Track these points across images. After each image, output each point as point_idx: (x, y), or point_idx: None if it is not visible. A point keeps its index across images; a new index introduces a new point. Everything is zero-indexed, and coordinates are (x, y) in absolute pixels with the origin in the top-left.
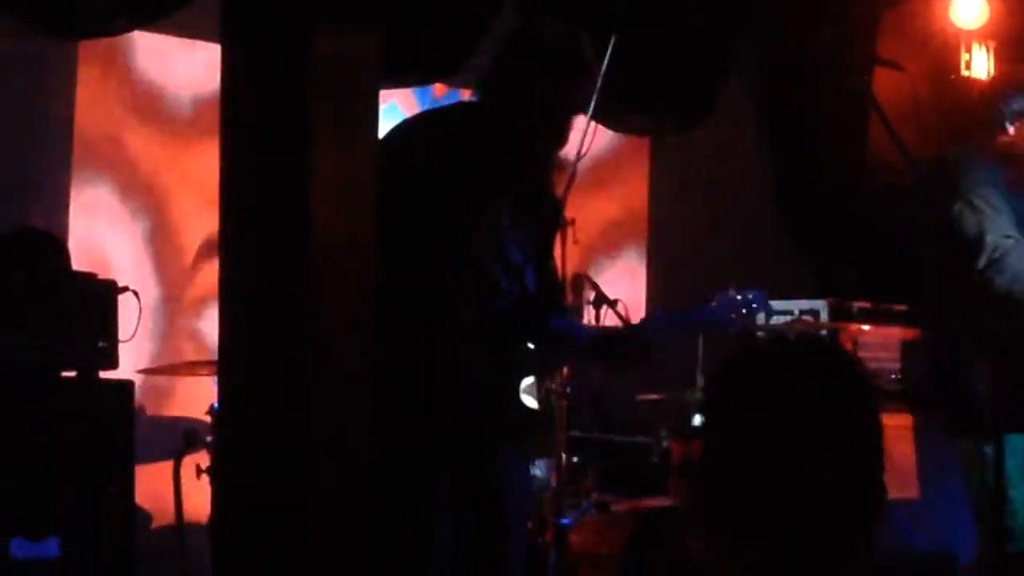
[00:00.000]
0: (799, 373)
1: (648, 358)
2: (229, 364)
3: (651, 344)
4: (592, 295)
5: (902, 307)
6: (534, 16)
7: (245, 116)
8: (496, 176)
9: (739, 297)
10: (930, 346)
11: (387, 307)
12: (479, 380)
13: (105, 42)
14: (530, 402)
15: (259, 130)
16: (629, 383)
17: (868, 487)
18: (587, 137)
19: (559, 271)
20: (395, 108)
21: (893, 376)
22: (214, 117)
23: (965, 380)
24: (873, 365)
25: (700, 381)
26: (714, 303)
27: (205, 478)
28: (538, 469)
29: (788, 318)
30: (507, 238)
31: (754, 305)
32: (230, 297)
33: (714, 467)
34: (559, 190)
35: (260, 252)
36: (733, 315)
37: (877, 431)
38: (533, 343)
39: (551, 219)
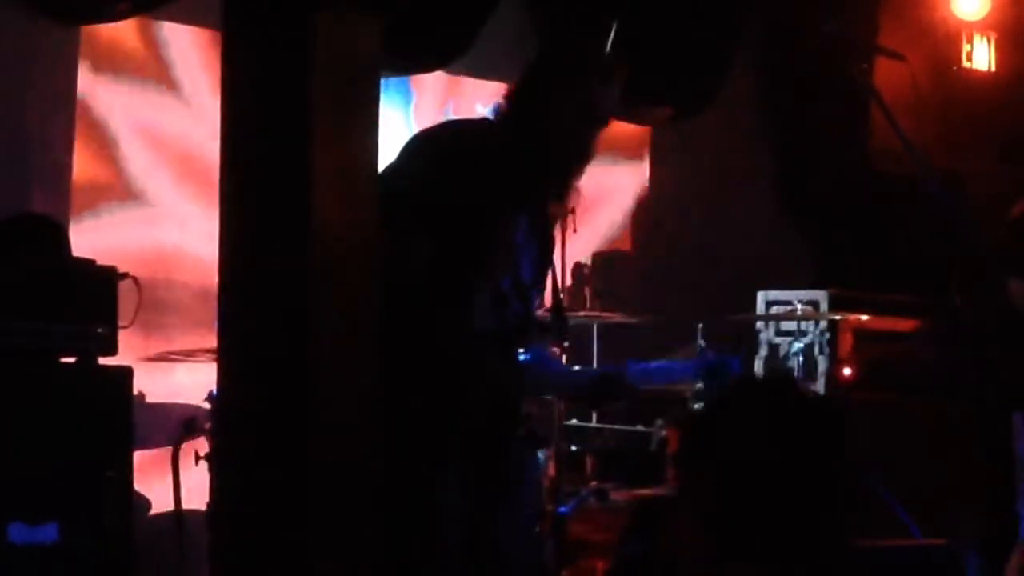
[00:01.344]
0: (763, 420)
1: (623, 402)
2: (228, 351)
3: (627, 391)
4: (591, 285)
5: (903, 297)
6: (556, 26)
7: (245, 101)
8: (520, 192)
9: (716, 361)
10: (957, 336)
11: (407, 308)
12: (498, 378)
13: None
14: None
15: (259, 115)
16: None
17: (824, 522)
18: None
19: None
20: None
21: (894, 366)
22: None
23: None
24: (874, 355)
25: None
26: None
27: (204, 464)
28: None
29: (788, 308)
30: (520, 256)
31: (728, 369)
32: (229, 284)
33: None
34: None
35: (259, 239)
36: (706, 376)
37: (836, 474)
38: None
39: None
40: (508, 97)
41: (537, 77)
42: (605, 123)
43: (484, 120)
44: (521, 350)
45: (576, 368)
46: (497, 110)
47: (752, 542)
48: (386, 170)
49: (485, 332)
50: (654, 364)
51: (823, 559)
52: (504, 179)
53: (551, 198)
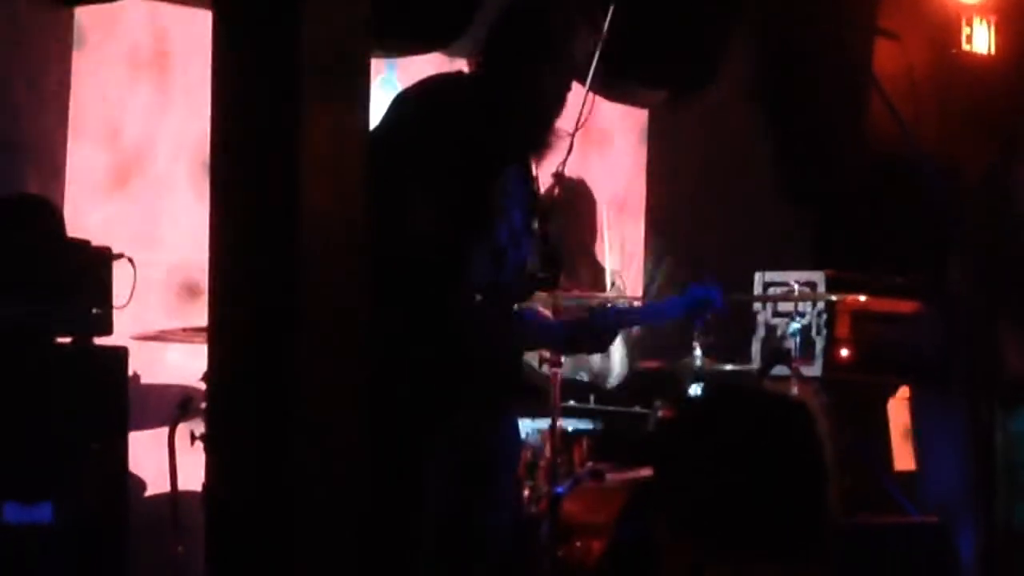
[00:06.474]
0: (743, 425)
1: (605, 346)
2: (218, 331)
3: (607, 334)
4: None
5: (900, 279)
6: None
7: (235, 82)
8: (505, 143)
9: (702, 294)
10: (954, 319)
11: (404, 271)
12: (496, 342)
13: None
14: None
15: (249, 96)
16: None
17: (807, 529)
18: (585, 108)
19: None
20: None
21: (891, 348)
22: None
23: (996, 351)
24: (871, 337)
25: (696, 351)
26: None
27: (199, 445)
28: (531, 437)
29: (785, 289)
30: (511, 205)
31: (713, 301)
32: (220, 266)
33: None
34: (557, 161)
35: (248, 221)
36: (694, 310)
37: (819, 493)
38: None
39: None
40: (482, 53)
41: (508, 35)
42: (578, 74)
43: (463, 75)
44: (516, 305)
45: (552, 319)
46: (475, 63)
47: (727, 543)
48: (374, 133)
49: (484, 288)
50: (639, 306)
51: (802, 558)
52: (491, 131)
53: (534, 148)
